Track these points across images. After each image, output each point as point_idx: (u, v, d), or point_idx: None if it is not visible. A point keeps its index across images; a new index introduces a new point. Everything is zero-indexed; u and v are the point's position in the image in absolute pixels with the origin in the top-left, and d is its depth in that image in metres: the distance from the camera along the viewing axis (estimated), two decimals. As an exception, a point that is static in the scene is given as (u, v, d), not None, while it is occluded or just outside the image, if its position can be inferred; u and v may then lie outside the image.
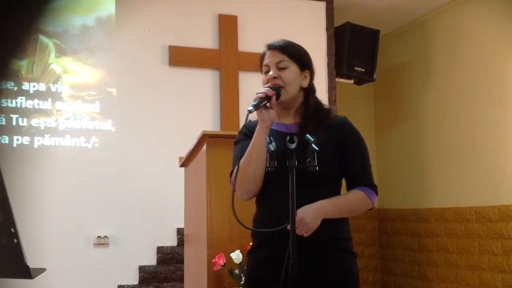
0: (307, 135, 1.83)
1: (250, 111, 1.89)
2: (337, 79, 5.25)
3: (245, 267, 2.18)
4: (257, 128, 1.96)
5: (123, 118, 4.51)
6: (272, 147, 1.81)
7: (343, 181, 2.09)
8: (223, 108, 4.73)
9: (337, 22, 5.27)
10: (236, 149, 2.07)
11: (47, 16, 4.38)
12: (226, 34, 4.84)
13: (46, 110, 4.32)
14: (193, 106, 4.70)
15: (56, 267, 3.86)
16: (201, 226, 2.82)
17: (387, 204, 5.82)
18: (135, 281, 4.37)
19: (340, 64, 5.20)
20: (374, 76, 5.38)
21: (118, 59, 4.55)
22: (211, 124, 4.68)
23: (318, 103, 2.10)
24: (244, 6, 4.97)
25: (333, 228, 1.95)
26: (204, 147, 2.83)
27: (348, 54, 5.21)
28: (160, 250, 4.44)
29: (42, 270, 1.56)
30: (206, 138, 2.81)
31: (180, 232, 4.40)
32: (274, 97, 1.95)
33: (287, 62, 2.02)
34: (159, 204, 4.41)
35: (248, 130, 2.05)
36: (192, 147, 3.00)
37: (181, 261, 4.19)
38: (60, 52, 4.41)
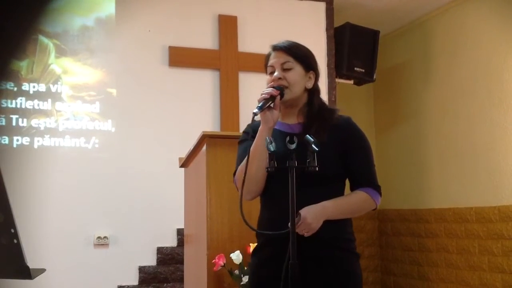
0: (307, 135, 1.83)
1: (255, 114, 1.90)
2: (337, 80, 5.26)
3: (249, 267, 2.18)
4: (260, 128, 1.97)
5: (123, 119, 4.51)
6: (272, 147, 1.81)
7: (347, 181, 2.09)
8: (223, 108, 4.73)
9: (337, 23, 5.27)
10: (240, 149, 2.08)
11: (47, 16, 4.38)
12: (226, 34, 4.84)
13: (46, 110, 4.32)
14: (193, 106, 4.70)
15: (56, 268, 3.86)
16: (201, 226, 2.82)
17: (387, 204, 5.82)
18: (135, 281, 4.37)
19: (340, 65, 5.21)
20: (374, 77, 5.39)
21: (118, 60, 4.55)
22: (211, 125, 4.68)
23: (322, 103, 2.10)
24: (244, 6, 4.97)
25: (335, 228, 1.95)
26: (204, 147, 2.84)
27: (348, 54, 5.21)
28: (160, 250, 4.44)
29: (42, 270, 1.56)
30: (206, 138, 2.81)
31: (180, 232, 4.40)
32: (278, 97, 1.95)
33: (292, 63, 2.03)
34: (159, 205, 4.41)
35: (252, 130, 2.05)
36: (192, 148, 3.00)
37: (181, 261, 4.19)
38: (60, 53, 4.41)
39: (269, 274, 1.93)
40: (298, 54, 2.05)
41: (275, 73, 2.02)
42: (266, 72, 2.08)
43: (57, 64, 4.40)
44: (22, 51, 4.30)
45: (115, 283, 4.32)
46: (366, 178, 2.03)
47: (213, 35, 4.85)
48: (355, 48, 5.25)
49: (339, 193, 2.02)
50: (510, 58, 4.65)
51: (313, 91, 2.08)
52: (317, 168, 1.79)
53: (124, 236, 4.38)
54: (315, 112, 2.04)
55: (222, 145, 2.79)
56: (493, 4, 4.83)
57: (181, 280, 4.14)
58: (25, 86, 4.29)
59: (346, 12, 5.40)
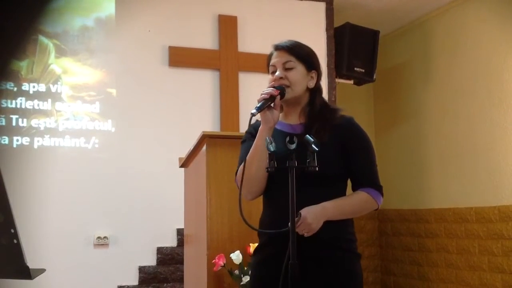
0: (307, 135, 1.83)
1: (253, 114, 1.90)
2: (337, 80, 5.26)
3: (250, 266, 2.18)
4: (260, 128, 1.97)
5: (123, 119, 4.51)
6: (272, 147, 1.81)
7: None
8: (223, 108, 4.73)
9: (337, 23, 5.27)
10: (242, 149, 2.08)
11: (47, 16, 4.38)
12: (226, 34, 4.84)
13: (46, 110, 4.32)
14: (193, 106, 4.70)
15: (56, 268, 3.86)
16: (201, 226, 2.82)
17: (387, 204, 5.81)
18: (135, 281, 4.37)
19: (340, 65, 5.21)
20: (374, 77, 5.39)
21: (118, 60, 4.55)
22: (211, 125, 4.68)
23: (325, 103, 2.10)
24: (244, 6, 4.97)
25: (336, 228, 1.95)
26: (204, 147, 2.84)
27: (348, 54, 5.21)
28: (160, 250, 4.44)
29: (42, 270, 1.56)
30: (206, 138, 2.81)
31: (180, 232, 4.40)
32: (278, 97, 1.95)
33: (293, 62, 2.03)
34: (159, 205, 4.41)
35: (255, 130, 2.04)
36: (192, 148, 3.00)
37: (181, 261, 4.19)
38: (60, 53, 4.41)
39: (269, 273, 1.93)
40: (300, 53, 2.05)
41: (277, 72, 2.03)
42: (268, 72, 2.08)
43: (57, 64, 4.40)
44: (22, 51, 4.30)
45: (115, 283, 4.32)
46: (367, 178, 2.02)
47: (213, 35, 4.85)
48: (355, 48, 5.25)
49: (341, 193, 2.02)
50: (510, 58, 4.65)
51: (315, 91, 2.08)
52: (317, 168, 1.79)
53: (124, 236, 4.38)
54: (317, 111, 2.04)
55: (222, 145, 2.79)
56: (493, 4, 4.83)
57: (181, 280, 4.14)
58: (25, 86, 4.29)
59: (346, 12, 5.40)
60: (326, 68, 5.08)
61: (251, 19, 4.95)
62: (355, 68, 5.27)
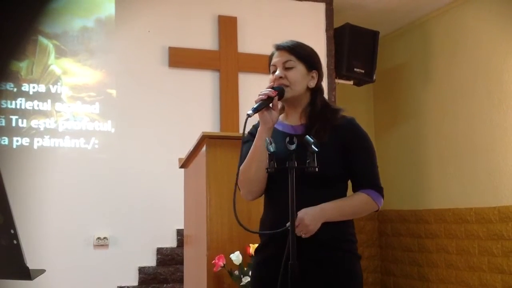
0: (307, 136, 1.83)
1: (249, 115, 1.89)
2: (337, 80, 5.26)
3: (251, 266, 2.18)
4: (259, 129, 1.97)
5: (123, 119, 4.51)
6: (272, 148, 1.81)
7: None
8: (222, 109, 4.73)
9: (337, 23, 5.27)
10: (243, 149, 2.08)
11: (46, 17, 4.38)
12: (225, 35, 4.84)
13: (45, 111, 4.32)
14: (193, 107, 4.70)
15: (55, 268, 3.86)
16: (201, 227, 2.82)
17: (386, 205, 5.76)
18: (134, 282, 4.37)
19: (339, 65, 5.21)
20: (374, 77, 5.39)
21: (118, 60, 4.55)
22: (211, 125, 4.68)
23: (326, 103, 2.10)
24: (244, 7, 4.97)
25: (336, 229, 1.95)
26: (204, 148, 2.84)
27: (348, 55, 5.21)
28: (159, 251, 4.44)
29: (41, 271, 1.56)
30: (205, 139, 2.81)
31: (180, 233, 4.40)
32: (276, 97, 1.95)
33: (294, 62, 2.03)
34: (159, 205, 4.41)
35: (256, 131, 2.04)
36: (192, 148, 3.00)
37: (181, 262, 4.19)
38: (60, 53, 4.41)
39: (269, 274, 1.93)
40: (301, 53, 2.05)
41: (277, 72, 2.03)
42: (269, 72, 2.09)
43: (57, 65, 4.40)
44: (22, 51, 4.30)
45: (115, 284, 4.32)
46: (368, 179, 2.02)
47: (213, 36, 4.85)
48: (354, 48, 5.25)
49: (341, 194, 2.01)
50: (510, 58, 4.65)
51: (316, 91, 2.08)
52: (317, 168, 1.79)
53: (124, 236, 4.38)
54: (318, 112, 2.04)
55: (222, 145, 2.79)
56: (493, 4, 4.83)
57: (181, 280, 4.14)
58: (25, 87, 4.29)
59: (345, 12, 5.40)
60: (326, 68, 5.08)
61: (251, 19, 4.95)
62: (355, 69, 5.27)
